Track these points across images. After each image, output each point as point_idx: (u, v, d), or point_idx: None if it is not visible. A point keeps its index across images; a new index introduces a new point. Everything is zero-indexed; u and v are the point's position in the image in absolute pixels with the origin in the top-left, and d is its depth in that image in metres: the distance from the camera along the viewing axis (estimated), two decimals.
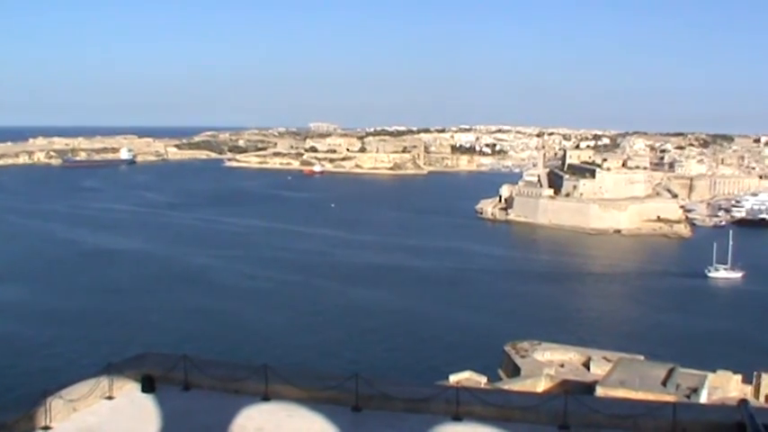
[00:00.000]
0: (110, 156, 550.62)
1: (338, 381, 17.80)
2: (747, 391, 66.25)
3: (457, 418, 16.73)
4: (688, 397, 55.47)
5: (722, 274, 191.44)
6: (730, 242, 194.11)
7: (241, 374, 18.46)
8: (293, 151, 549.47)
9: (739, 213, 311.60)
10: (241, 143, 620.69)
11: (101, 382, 18.21)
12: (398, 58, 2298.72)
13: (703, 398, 57.65)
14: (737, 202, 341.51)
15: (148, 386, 18.59)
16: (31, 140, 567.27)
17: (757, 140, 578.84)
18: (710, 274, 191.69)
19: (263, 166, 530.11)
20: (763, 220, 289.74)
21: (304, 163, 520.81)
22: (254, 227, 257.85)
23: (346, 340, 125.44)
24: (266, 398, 17.83)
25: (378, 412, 17.22)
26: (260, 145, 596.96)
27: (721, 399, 61.08)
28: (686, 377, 60.60)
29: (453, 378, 68.74)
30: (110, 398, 18.16)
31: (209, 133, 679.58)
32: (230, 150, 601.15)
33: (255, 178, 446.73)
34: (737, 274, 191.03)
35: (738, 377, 68.40)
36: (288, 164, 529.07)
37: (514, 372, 72.08)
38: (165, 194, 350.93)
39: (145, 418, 17.16)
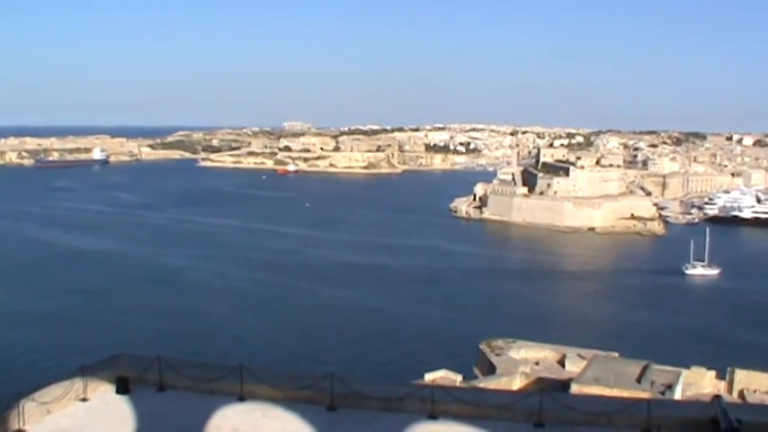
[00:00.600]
0: (82, 156, 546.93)
1: (313, 380, 17.76)
2: (721, 386, 66.68)
3: (432, 416, 16.73)
4: (662, 393, 55.70)
5: (699, 271, 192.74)
6: (707, 239, 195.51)
7: (216, 375, 18.39)
8: (267, 151, 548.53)
9: (712, 211, 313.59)
10: (215, 143, 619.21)
11: (74, 383, 18.08)
12: (372, 57, 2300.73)
13: (677, 394, 57.92)
14: (710, 199, 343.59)
15: (123, 387, 18.48)
16: (2, 140, 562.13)
17: (729, 138, 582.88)
18: (688, 272, 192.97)
19: (237, 165, 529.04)
20: (736, 217, 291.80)
21: (278, 162, 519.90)
22: (228, 226, 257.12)
23: (321, 340, 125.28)
24: (242, 398, 17.78)
25: (353, 411, 17.20)
26: (234, 144, 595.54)
27: (695, 395, 61.41)
28: (660, 374, 60.82)
29: (428, 377, 68.77)
30: (84, 400, 18.03)
31: (182, 133, 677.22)
32: (204, 150, 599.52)
33: (229, 178, 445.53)
34: (714, 272, 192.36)
35: (712, 373, 68.79)
36: (262, 163, 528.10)
37: (490, 370, 72.18)
38: (139, 194, 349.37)
39: (119, 420, 17.06)
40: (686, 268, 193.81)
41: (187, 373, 18.63)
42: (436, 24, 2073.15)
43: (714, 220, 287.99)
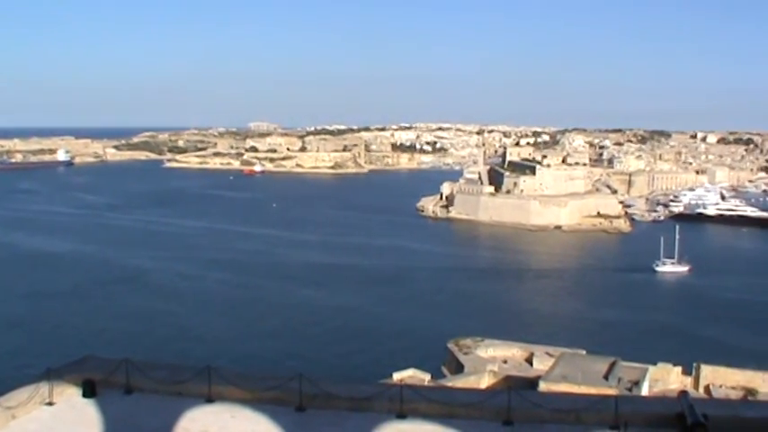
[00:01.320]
0: (47, 157, 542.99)
1: (281, 381, 17.72)
2: (687, 382, 67.24)
3: (401, 416, 16.73)
4: (630, 390, 56.09)
5: (669, 268, 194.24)
6: (677, 237, 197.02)
7: (184, 376, 18.30)
8: (233, 151, 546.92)
9: (677, 208, 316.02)
10: (181, 144, 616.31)
11: (40, 387, 17.91)
12: (338, 56, 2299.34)
13: (644, 390, 58.34)
14: (675, 197, 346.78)
15: (89, 391, 18.32)
16: None
17: (694, 136, 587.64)
18: (658, 269, 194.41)
19: (204, 166, 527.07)
20: (701, 214, 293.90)
21: (244, 163, 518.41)
22: (194, 228, 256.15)
23: (289, 340, 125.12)
24: (210, 399, 17.70)
25: (321, 412, 17.17)
26: (200, 145, 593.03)
27: (662, 391, 61.91)
28: (628, 370, 61.26)
29: (397, 376, 68.94)
30: (50, 404, 17.87)
31: (148, 134, 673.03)
32: (170, 151, 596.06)
33: (196, 179, 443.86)
34: (684, 268, 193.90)
35: (678, 369, 69.37)
36: (228, 164, 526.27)
37: (458, 369, 72.38)
38: (105, 196, 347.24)
39: (86, 424, 16.93)
40: (656, 265, 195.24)
41: (154, 375, 18.53)
42: (402, 24, 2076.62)
43: (679, 218, 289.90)
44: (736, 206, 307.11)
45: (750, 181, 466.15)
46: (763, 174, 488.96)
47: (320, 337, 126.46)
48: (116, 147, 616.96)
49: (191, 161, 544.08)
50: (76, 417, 17.36)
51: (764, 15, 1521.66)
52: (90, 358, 20.33)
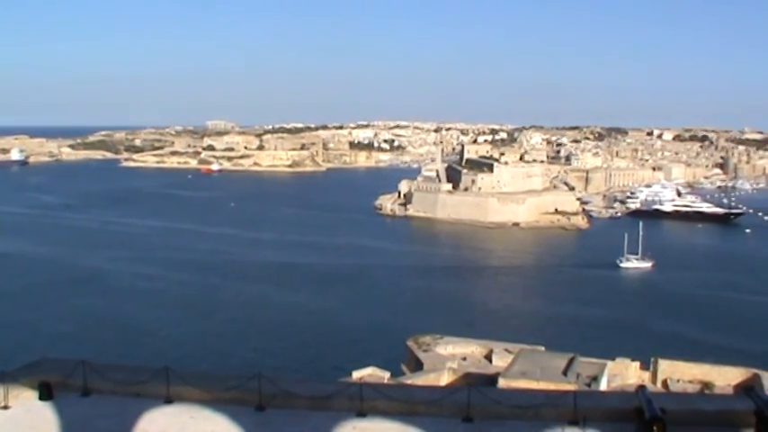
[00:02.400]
0: (0, 157, 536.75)
1: (241, 381, 17.63)
2: (645, 377, 67.66)
3: (361, 414, 16.71)
4: (588, 385, 56.38)
5: (633, 264, 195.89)
6: (640, 233, 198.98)
7: (142, 378, 18.15)
8: (191, 150, 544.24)
9: (634, 204, 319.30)
10: (137, 142, 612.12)
11: None
12: (295, 54, 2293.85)
13: (603, 385, 58.67)
14: (632, 193, 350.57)
15: (46, 393, 18.11)
16: None
17: (650, 133, 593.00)
18: (622, 265, 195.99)
19: (161, 165, 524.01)
20: (657, 210, 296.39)
21: (202, 162, 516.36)
22: (152, 227, 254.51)
23: (248, 339, 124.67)
24: (168, 400, 17.57)
25: (281, 411, 17.11)
26: (157, 144, 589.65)
27: (620, 386, 62.27)
28: (586, 366, 61.58)
29: (356, 374, 68.89)
30: (5, 407, 17.64)
31: (104, 133, 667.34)
32: (126, 150, 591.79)
33: (153, 178, 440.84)
34: (647, 264, 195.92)
35: (636, 364, 69.81)
36: (185, 163, 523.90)
37: (417, 366, 72.42)
38: (60, 196, 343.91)
39: (43, 427, 16.74)
40: (620, 261, 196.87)
41: (112, 376, 18.36)
42: (358, 22, 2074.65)
43: (636, 214, 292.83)
44: (692, 202, 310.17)
45: (705, 177, 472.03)
46: (717, 170, 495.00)
47: (280, 337, 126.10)
48: (72, 146, 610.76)
49: (148, 160, 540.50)
50: (33, 420, 17.16)
51: (714, 16, 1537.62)
52: (46, 360, 20.11)
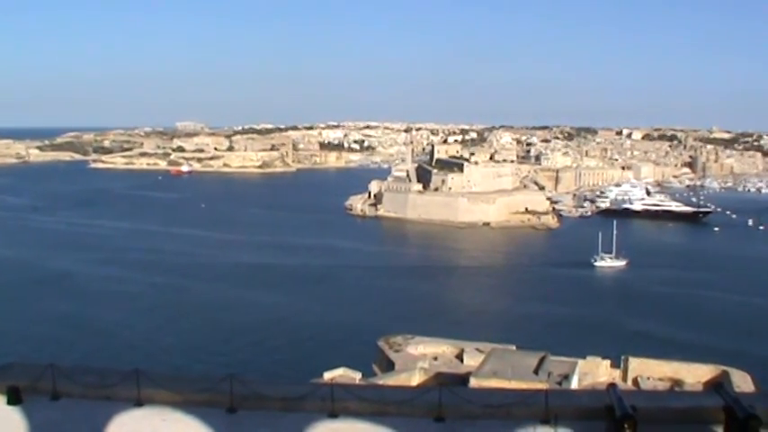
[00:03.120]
0: None
1: (212, 382, 17.54)
2: (616, 375, 67.97)
3: (333, 415, 16.67)
4: (559, 384, 56.51)
5: (607, 262, 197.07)
6: (614, 232, 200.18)
7: (112, 381, 18.01)
8: (160, 151, 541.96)
9: (604, 204, 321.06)
10: (106, 144, 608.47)
11: None
12: (264, 56, 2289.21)
13: (574, 384, 58.84)
14: (602, 192, 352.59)
15: (14, 398, 17.94)
16: None
17: (619, 133, 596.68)
18: (596, 263, 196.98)
19: (130, 166, 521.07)
20: (627, 209, 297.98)
21: (172, 163, 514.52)
22: (121, 229, 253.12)
23: (219, 341, 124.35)
24: (139, 403, 17.45)
25: (253, 413, 17.04)
26: (126, 145, 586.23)
27: (591, 384, 62.48)
28: (557, 365, 61.72)
29: (328, 375, 68.76)
30: None
31: (72, 134, 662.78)
32: (95, 151, 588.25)
33: (122, 179, 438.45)
34: (622, 263, 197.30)
35: (607, 362, 70.09)
36: (155, 164, 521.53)
37: (388, 366, 72.36)
38: (28, 197, 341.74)
39: None
40: (595, 260, 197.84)
41: (82, 380, 18.22)
42: (328, 23, 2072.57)
43: (606, 213, 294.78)
44: (661, 201, 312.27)
45: (674, 176, 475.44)
46: (686, 169, 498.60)
47: (251, 338, 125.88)
48: (39, 147, 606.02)
49: (117, 162, 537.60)
50: (1, 425, 17.03)
51: (682, 18, 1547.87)
52: (14, 365, 19.94)
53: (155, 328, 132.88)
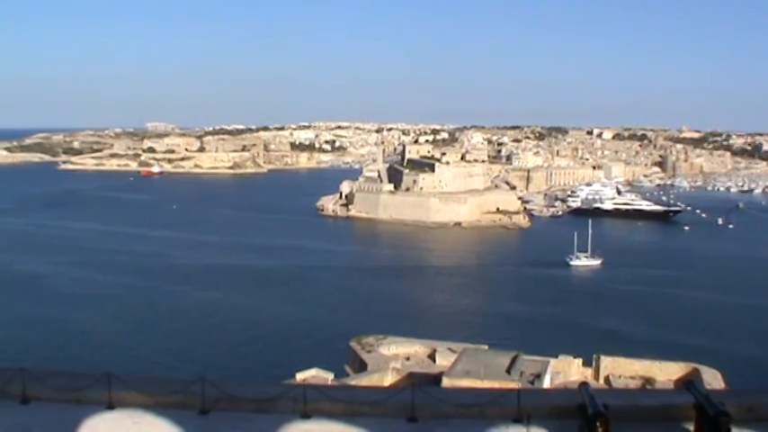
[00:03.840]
0: None
1: (184, 384, 17.46)
2: (588, 373, 68.27)
3: (305, 415, 16.63)
4: (532, 383, 56.71)
5: (583, 261, 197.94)
6: (590, 231, 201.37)
7: (83, 383, 17.88)
8: (131, 152, 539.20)
9: (575, 203, 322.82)
10: (76, 145, 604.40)
11: None
12: (235, 55, 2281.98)
13: (546, 383, 59.06)
14: (573, 192, 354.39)
15: None
16: None
17: (590, 133, 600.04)
18: (572, 263, 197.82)
19: (100, 168, 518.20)
20: (598, 209, 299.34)
21: (142, 164, 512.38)
22: (92, 231, 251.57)
23: (191, 343, 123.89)
24: (110, 406, 17.33)
25: (225, 414, 16.97)
26: (96, 146, 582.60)
27: (563, 383, 62.77)
28: (529, 364, 61.91)
29: (300, 376, 68.68)
30: None
31: (41, 135, 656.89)
32: (65, 152, 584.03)
33: (92, 180, 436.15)
34: (597, 262, 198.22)
35: (579, 361, 70.38)
36: (126, 165, 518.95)
37: (361, 367, 72.32)
38: None
39: None
40: (570, 259, 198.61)
41: (52, 383, 18.09)
42: (298, 23, 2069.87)
43: (577, 212, 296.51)
44: (632, 200, 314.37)
45: (645, 176, 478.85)
46: (656, 168, 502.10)
47: (222, 339, 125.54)
48: (8, 148, 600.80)
49: (87, 163, 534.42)
50: None
51: (651, 17, 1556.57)
52: None
53: (126, 331, 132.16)
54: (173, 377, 19.79)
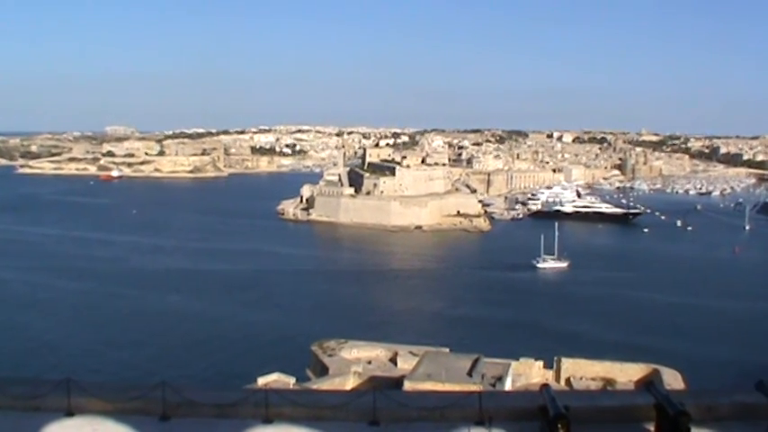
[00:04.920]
0: None
1: (144, 390, 17.35)
2: (549, 375, 68.57)
3: (267, 420, 16.59)
4: (493, 385, 56.80)
5: (550, 264, 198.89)
6: (556, 233, 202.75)
7: (41, 390, 17.71)
8: (90, 156, 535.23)
9: (535, 206, 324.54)
10: (34, 148, 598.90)
11: None
12: (194, 58, 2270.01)
13: (508, 385, 59.21)
14: (533, 195, 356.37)
15: None
16: None
17: (550, 136, 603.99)
18: (539, 265, 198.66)
19: (59, 172, 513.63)
20: (558, 211, 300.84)
21: (101, 168, 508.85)
22: (50, 235, 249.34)
23: (151, 348, 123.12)
24: (70, 413, 17.19)
25: (186, 420, 16.88)
26: (54, 150, 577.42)
27: (525, 385, 63.04)
28: (491, 366, 62.00)
29: (261, 380, 68.42)
30: None
31: None
32: (22, 156, 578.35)
33: (51, 185, 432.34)
34: (563, 264, 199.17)
35: (540, 363, 70.68)
36: (85, 169, 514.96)
37: (322, 371, 72.22)
38: None
39: None
40: (537, 261, 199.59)
41: (10, 391, 17.90)
42: (257, 24, 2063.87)
43: (537, 215, 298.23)
44: (592, 203, 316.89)
45: (604, 178, 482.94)
46: (616, 171, 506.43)
47: (183, 345, 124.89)
48: None
49: (45, 167, 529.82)
50: None
51: (609, 20, 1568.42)
52: None
53: (85, 336, 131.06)
54: (133, 383, 19.69)
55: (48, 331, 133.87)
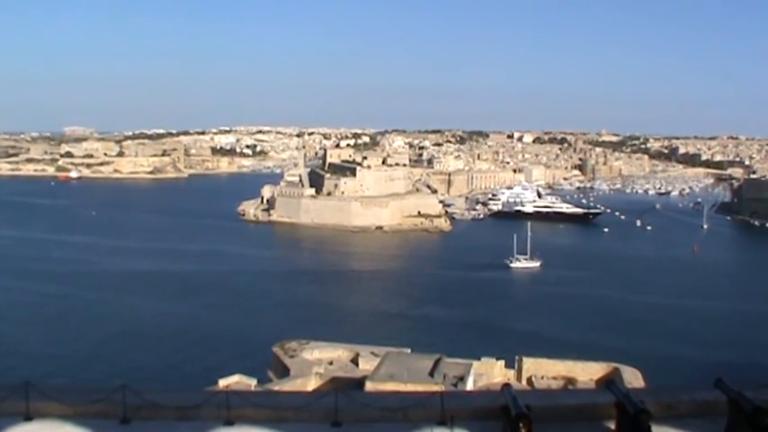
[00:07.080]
0: None
1: (105, 393, 17.20)
2: (510, 375, 68.88)
3: (229, 422, 16.52)
4: (455, 385, 56.91)
5: (522, 264, 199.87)
6: (528, 234, 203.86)
7: None
8: (48, 157, 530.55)
9: (496, 206, 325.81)
10: None
11: None
12: (154, 58, 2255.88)
13: (469, 385, 59.33)
14: (494, 195, 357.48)
15: None
16: None
17: (510, 136, 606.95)
18: (512, 265, 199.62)
19: (16, 173, 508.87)
20: (519, 211, 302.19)
21: (60, 169, 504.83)
22: (6, 237, 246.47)
23: (111, 351, 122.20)
24: (28, 417, 17.01)
25: (147, 423, 16.78)
26: (11, 151, 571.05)
27: (486, 385, 63.24)
28: (452, 366, 62.12)
29: (223, 382, 68.21)
30: None
31: None
32: None
33: (7, 186, 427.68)
34: (536, 264, 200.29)
35: (501, 363, 70.95)
36: (42, 170, 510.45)
37: (284, 372, 72.05)
38: None
39: None
40: (510, 261, 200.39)
41: None
42: (218, 25, 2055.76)
43: (498, 215, 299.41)
44: (552, 203, 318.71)
45: (565, 179, 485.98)
46: (576, 171, 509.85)
47: (143, 347, 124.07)
48: None
49: (2, 167, 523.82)
50: None
51: (573, 20, 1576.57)
52: None
53: (44, 339, 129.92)
54: (93, 386, 19.53)
55: (4, 334, 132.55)
